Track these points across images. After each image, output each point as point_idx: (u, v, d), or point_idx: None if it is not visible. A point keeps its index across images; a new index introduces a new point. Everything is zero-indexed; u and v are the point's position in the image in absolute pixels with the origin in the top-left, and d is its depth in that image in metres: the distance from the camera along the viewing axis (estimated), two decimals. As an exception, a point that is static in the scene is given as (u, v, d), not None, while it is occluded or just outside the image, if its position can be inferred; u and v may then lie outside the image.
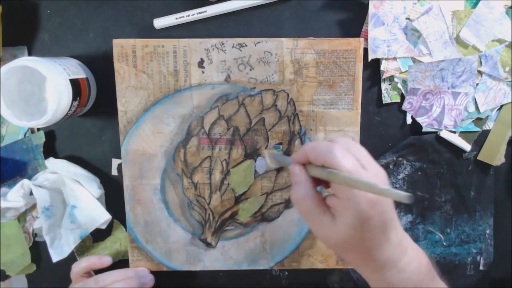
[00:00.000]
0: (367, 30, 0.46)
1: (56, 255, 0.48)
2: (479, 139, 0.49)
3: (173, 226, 0.48)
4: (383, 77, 0.47)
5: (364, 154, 0.36)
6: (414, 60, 0.47)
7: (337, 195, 0.35)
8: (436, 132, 0.48)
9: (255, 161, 0.47)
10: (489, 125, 0.49)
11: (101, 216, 0.47)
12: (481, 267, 0.51)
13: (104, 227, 0.49)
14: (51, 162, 0.47)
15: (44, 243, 0.49)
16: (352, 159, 0.34)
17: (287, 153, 0.47)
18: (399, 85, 0.48)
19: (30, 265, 0.51)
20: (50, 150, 0.49)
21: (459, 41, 0.46)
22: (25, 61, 0.39)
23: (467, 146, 0.48)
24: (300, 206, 0.37)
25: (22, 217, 0.50)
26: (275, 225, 0.49)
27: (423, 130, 0.48)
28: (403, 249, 0.36)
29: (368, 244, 0.35)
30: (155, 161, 0.47)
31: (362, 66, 0.46)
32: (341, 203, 0.34)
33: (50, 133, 0.49)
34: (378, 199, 0.33)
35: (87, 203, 0.47)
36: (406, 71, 0.47)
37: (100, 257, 0.49)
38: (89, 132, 0.49)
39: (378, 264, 0.36)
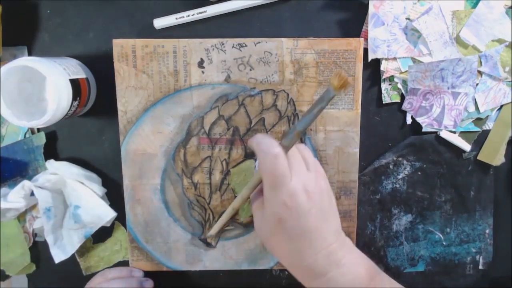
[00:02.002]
0: (367, 30, 0.46)
1: (59, 255, 0.48)
2: (479, 139, 0.49)
3: (173, 226, 0.48)
4: (383, 77, 0.47)
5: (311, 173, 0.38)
6: (414, 60, 0.47)
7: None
8: (436, 132, 0.48)
9: (255, 161, 0.47)
10: (489, 125, 0.49)
11: (107, 214, 0.48)
12: (480, 267, 0.51)
13: (109, 224, 0.49)
14: (52, 164, 0.47)
15: (44, 243, 0.49)
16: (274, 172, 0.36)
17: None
18: (399, 85, 0.48)
19: (30, 265, 0.51)
20: (50, 150, 0.49)
21: (459, 41, 0.46)
22: (25, 61, 0.39)
23: (467, 146, 0.49)
24: (252, 207, 0.41)
25: (22, 217, 0.50)
26: (275, 225, 0.49)
27: (423, 130, 0.48)
28: (334, 260, 0.37)
29: (288, 246, 0.37)
30: (155, 161, 0.47)
31: (362, 66, 0.46)
32: (265, 199, 0.37)
33: (50, 133, 0.49)
34: (294, 205, 0.35)
35: (91, 202, 0.47)
36: (406, 71, 0.47)
37: (132, 271, 0.49)
38: (89, 132, 0.49)
39: (303, 270, 0.37)
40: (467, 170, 0.50)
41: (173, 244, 0.49)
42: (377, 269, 0.39)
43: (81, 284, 0.48)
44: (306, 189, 0.36)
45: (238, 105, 0.46)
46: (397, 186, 0.50)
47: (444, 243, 0.51)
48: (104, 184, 0.49)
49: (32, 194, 0.47)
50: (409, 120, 0.48)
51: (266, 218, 0.37)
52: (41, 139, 0.48)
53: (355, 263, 0.38)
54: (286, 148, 0.37)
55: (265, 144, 0.36)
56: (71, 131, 0.49)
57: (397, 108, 0.49)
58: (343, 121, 0.47)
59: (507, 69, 0.47)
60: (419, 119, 0.48)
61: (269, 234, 0.38)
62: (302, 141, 0.47)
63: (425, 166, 0.49)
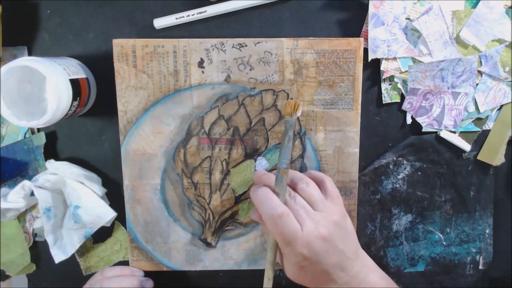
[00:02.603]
0: (367, 30, 0.46)
1: (59, 255, 0.48)
2: (479, 139, 0.49)
3: (173, 226, 0.48)
4: (383, 77, 0.47)
5: (318, 214, 0.39)
6: (414, 60, 0.47)
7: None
8: (436, 132, 0.48)
9: (255, 161, 0.47)
10: (489, 125, 0.49)
11: (107, 214, 0.48)
12: (480, 267, 0.51)
13: (109, 224, 0.49)
14: (52, 164, 0.47)
15: (43, 243, 0.49)
16: (285, 233, 0.38)
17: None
18: (399, 85, 0.48)
19: (30, 265, 0.50)
20: (50, 150, 0.49)
21: (459, 41, 0.46)
22: (25, 61, 0.39)
23: (467, 146, 0.49)
24: (267, 238, 0.43)
25: (22, 217, 0.50)
26: (275, 225, 0.49)
27: (423, 130, 0.48)
28: (353, 286, 0.40)
29: (311, 282, 0.40)
30: (155, 161, 0.47)
31: (362, 66, 0.46)
32: (283, 253, 0.40)
33: (50, 133, 0.49)
34: (311, 254, 0.38)
35: (91, 202, 0.47)
36: (406, 71, 0.47)
37: (133, 271, 0.49)
38: (89, 132, 0.49)
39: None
40: (467, 170, 0.50)
41: (173, 244, 0.49)
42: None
43: (81, 284, 0.48)
44: (319, 233, 0.38)
45: (238, 105, 0.46)
46: (397, 186, 0.50)
47: (444, 243, 0.51)
48: (104, 184, 0.49)
49: (32, 194, 0.47)
50: (409, 120, 0.48)
51: (288, 266, 0.40)
52: (41, 139, 0.48)
53: (374, 284, 0.41)
54: (281, 194, 0.39)
55: (268, 207, 0.38)
56: (71, 131, 0.49)
57: (397, 108, 0.49)
58: (343, 121, 0.47)
59: (507, 69, 0.47)
60: (419, 119, 0.48)
61: (294, 277, 0.41)
62: (302, 142, 0.47)
63: (425, 166, 0.49)
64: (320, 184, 0.42)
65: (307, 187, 0.40)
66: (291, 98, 0.46)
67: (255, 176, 0.43)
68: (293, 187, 0.41)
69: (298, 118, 0.47)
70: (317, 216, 0.39)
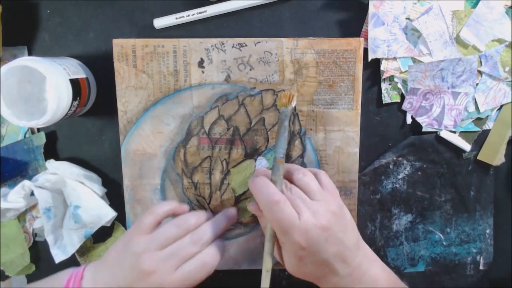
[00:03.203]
0: (367, 30, 0.46)
1: (59, 255, 0.48)
2: (479, 139, 0.49)
3: (173, 226, 0.48)
4: (383, 77, 0.47)
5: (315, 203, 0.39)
6: (414, 60, 0.47)
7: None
8: (436, 132, 0.48)
9: (255, 161, 0.47)
10: (489, 125, 0.49)
11: (107, 214, 0.48)
12: (481, 267, 0.51)
13: (109, 224, 0.49)
14: (52, 164, 0.47)
15: (43, 243, 0.49)
16: (284, 219, 0.37)
17: (288, 153, 0.47)
18: (399, 85, 0.48)
19: (30, 265, 0.50)
20: (50, 150, 0.49)
21: (459, 41, 0.46)
22: (25, 61, 0.39)
23: (467, 146, 0.48)
24: (265, 233, 0.41)
25: (22, 217, 0.50)
26: (275, 225, 0.49)
27: (423, 130, 0.48)
28: (356, 278, 0.39)
29: (312, 275, 0.39)
30: (155, 161, 0.47)
31: (362, 66, 0.46)
32: (281, 243, 0.39)
33: (50, 133, 0.49)
34: (309, 243, 0.37)
35: (91, 202, 0.47)
36: (406, 71, 0.47)
37: (179, 204, 0.44)
38: (89, 132, 0.49)
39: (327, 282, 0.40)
40: (467, 170, 0.50)
41: (173, 244, 0.49)
42: (400, 282, 0.41)
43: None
44: (317, 221, 0.37)
45: (238, 105, 0.46)
46: (397, 186, 0.50)
47: (444, 243, 0.51)
48: (104, 184, 0.49)
49: (32, 194, 0.47)
50: (409, 120, 0.48)
51: (287, 258, 0.39)
52: (41, 139, 0.48)
53: (377, 276, 0.40)
54: (278, 183, 0.39)
55: (264, 194, 0.38)
56: (71, 131, 0.49)
57: (397, 108, 0.49)
58: (343, 121, 0.47)
59: (507, 69, 0.47)
60: (419, 119, 0.48)
61: (294, 269, 0.39)
62: (302, 141, 0.47)
63: (425, 166, 0.49)
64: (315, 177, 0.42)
65: (303, 177, 0.40)
66: (283, 90, 0.46)
67: (255, 172, 0.43)
68: (289, 178, 0.41)
69: (298, 118, 0.47)
70: (315, 205, 0.38)
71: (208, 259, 0.40)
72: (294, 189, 0.39)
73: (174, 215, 0.43)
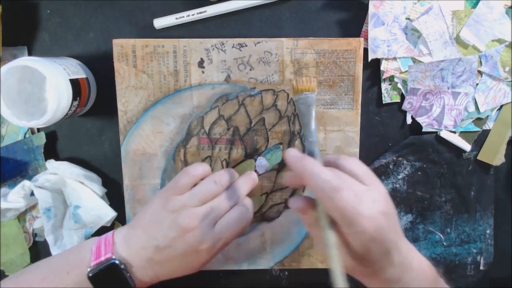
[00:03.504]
0: (367, 30, 0.46)
1: (58, 255, 0.48)
2: (479, 139, 0.49)
3: (173, 226, 0.48)
4: (383, 77, 0.47)
5: (366, 171, 0.36)
6: (414, 60, 0.47)
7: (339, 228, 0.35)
8: (436, 132, 0.48)
9: (255, 161, 0.47)
10: (489, 125, 0.49)
11: (107, 214, 0.48)
12: (481, 267, 0.51)
13: (109, 224, 0.49)
14: (52, 164, 0.47)
15: (44, 243, 0.49)
16: (350, 204, 0.33)
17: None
18: (399, 85, 0.48)
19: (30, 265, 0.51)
20: (50, 150, 0.49)
21: (459, 41, 0.46)
22: (25, 61, 0.39)
23: (467, 146, 0.48)
24: (310, 231, 0.39)
25: (22, 217, 0.50)
26: (275, 225, 0.49)
27: (423, 130, 0.48)
28: (407, 266, 0.36)
29: (370, 269, 0.35)
30: (155, 161, 0.47)
31: (362, 66, 0.46)
32: (347, 236, 0.34)
33: (50, 133, 0.49)
34: (378, 233, 0.33)
35: (91, 202, 0.47)
36: (406, 71, 0.47)
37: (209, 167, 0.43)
38: (89, 132, 0.49)
39: (382, 282, 0.36)
40: (467, 170, 0.49)
41: (173, 244, 0.49)
42: (436, 270, 0.39)
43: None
44: (379, 208, 0.34)
45: (238, 105, 0.46)
46: (397, 186, 0.50)
47: (445, 243, 0.51)
48: (104, 184, 0.49)
49: (32, 194, 0.47)
50: (409, 120, 0.48)
51: (351, 252, 0.35)
52: (41, 139, 0.48)
53: (422, 265, 0.37)
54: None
55: (321, 179, 0.33)
56: (71, 131, 0.49)
57: (397, 108, 0.49)
58: (343, 121, 0.47)
59: (507, 69, 0.47)
60: (419, 119, 0.48)
61: (354, 265, 0.35)
62: (302, 141, 0.47)
63: (425, 166, 0.49)
64: (342, 164, 0.37)
65: (345, 162, 0.36)
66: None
67: (290, 153, 0.37)
68: (330, 165, 0.37)
69: (298, 118, 0.47)
70: (370, 191, 0.35)
71: (244, 211, 0.40)
72: (342, 175, 0.35)
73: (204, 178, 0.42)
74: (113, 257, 0.37)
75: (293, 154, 0.36)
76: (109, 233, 0.40)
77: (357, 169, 0.36)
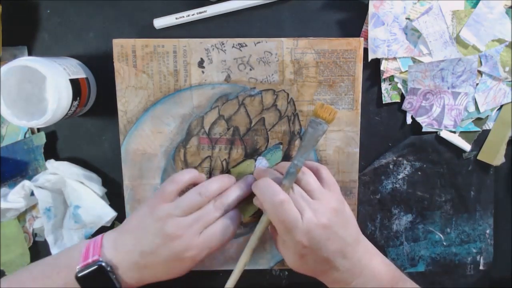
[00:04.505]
0: (367, 30, 0.46)
1: (58, 255, 0.48)
2: (479, 139, 0.49)
3: (173, 226, 0.48)
4: (383, 77, 0.47)
5: (317, 203, 0.39)
6: (414, 60, 0.47)
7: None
8: (436, 132, 0.48)
9: (255, 161, 0.47)
10: (489, 125, 0.49)
11: (107, 214, 0.48)
12: (481, 267, 0.51)
13: (109, 224, 0.49)
14: (52, 164, 0.47)
15: (44, 243, 0.49)
16: (286, 221, 0.38)
17: (287, 153, 0.47)
18: (399, 85, 0.48)
19: (30, 265, 0.51)
20: (50, 150, 0.49)
21: (459, 41, 0.46)
22: (25, 61, 0.39)
23: (467, 146, 0.48)
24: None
25: (22, 217, 0.50)
26: (275, 225, 0.49)
27: (423, 130, 0.48)
28: (355, 272, 0.40)
29: (313, 271, 0.41)
30: (155, 161, 0.47)
31: (362, 66, 0.46)
32: (283, 241, 0.40)
33: (50, 133, 0.49)
34: (312, 242, 0.37)
35: (91, 202, 0.47)
36: (406, 71, 0.47)
37: (199, 173, 0.44)
38: (89, 132, 0.49)
39: (330, 283, 0.41)
40: (467, 170, 0.50)
41: (173, 244, 0.49)
42: (400, 274, 0.42)
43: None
44: (319, 221, 0.38)
45: (238, 105, 0.46)
46: (397, 186, 0.50)
47: (445, 243, 0.51)
48: (104, 184, 0.49)
49: (32, 194, 0.47)
50: (409, 120, 0.48)
51: (289, 255, 0.40)
52: (41, 139, 0.48)
53: (377, 270, 0.40)
54: (288, 187, 0.39)
55: (269, 193, 0.38)
56: (71, 131, 0.49)
57: (397, 108, 0.49)
58: (343, 121, 0.47)
59: (507, 69, 0.47)
60: (419, 119, 0.48)
61: (296, 266, 0.41)
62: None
63: (425, 166, 0.49)
64: (315, 173, 0.42)
65: (303, 175, 0.40)
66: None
67: (256, 172, 0.44)
68: None
69: (298, 118, 0.47)
70: (315, 205, 0.38)
71: (230, 223, 0.41)
72: (296, 188, 0.40)
73: (194, 183, 0.43)
74: (100, 259, 0.38)
75: (257, 170, 0.43)
76: (99, 236, 0.41)
77: (312, 184, 0.40)
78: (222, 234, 0.41)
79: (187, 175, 0.42)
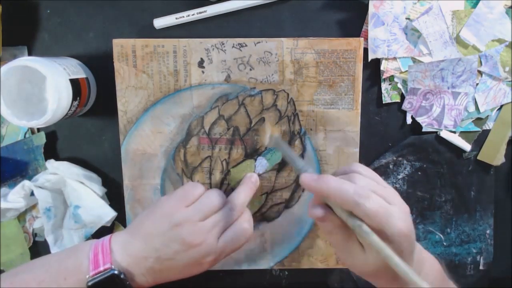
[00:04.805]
0: (367, 30, 0.46)
1: (58, 255, 0.48)
2: (479, 139, 0.49)
3: (173, 226, 0.48)
4: (383, 77, 0.47)
5: (388, 190, 0.35)
6: (414, 60, 0.47)
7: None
8: (436, 132, 0.48)
9: (255, 161, 0.47)
10: (489, 125, 0.49)
11: (107, 214, 0.48)
12: (481, 267, 0.51)
13: (109, 224, 0.49)
14: (52, 164, 0.47)
15: (44, 243, 0.49)
16: (382, 207, 0.33)
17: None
18: (399, 85, 0.48)
19: (30, 265, 0.50)
20: (50, 150, 0.49)
21: (459, 41, 0.46)
22: (25, 61, 0.39)
23: (467, 146, 0.48)
24: (330, 238, 0.38)
25: (22, 217, 0.50)
26: (275, 225, 0.49)
27: (423, 130, 0.48)
28: (421, 263, 0.38)
29: (390, 278, 0.35)
30: (155, 161, 0.47)
31: (362, 66, 0.46)
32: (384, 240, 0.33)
33: (50, 133, 0.49)
34: (410, 230, 0.33)
35: (91, 202, 0.47)
36: (406, 71, 0.47)
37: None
38: (89, 132, 0.49)
39: (403, 282, 0.34)
40: (467, 170, 0.49)
41: (173, 244, 0.49)
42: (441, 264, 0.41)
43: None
44: (405, 208, 0.34)
45: (238, 105, 0.46)
46: (397, 186, 0.50)
47: (445, 243, 0.51)
48: (104, 184, 0.49)
49: (32, 194, 0.47)
50: (409, 120, 0.48)
51: (375, 254, 0.34)
52: (41, 139, 0.48)
53: (432, 262, 0.39)
54: None
55: (349, 191, 0.33)
56: (71, 131, 0.49)
57: (397, 108, 0.49)
58: (343, 121, 0.47)
59: (507, 69, 0.47)
60: (419, 119, 0.48)
61: (376, 267, 0.35)
62: (302, 141, 0.47)
63: (425, 166, 0.49)
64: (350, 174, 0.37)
65: (361, 168, 0.37)
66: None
67: (306, 181, 0.35)
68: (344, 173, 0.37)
69: (298, 118, 0.47)
70: (388, 191, 0.35)
71: (247, 225, 0.41)
72: (361, 180, 0.35)
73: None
74: (112, 267, 0.37)
75: (307, 177, 0.35)
76: (106, 239, 0.39)
77: (371, 174, 0.37)
78: (238, 240, 0.41)
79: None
